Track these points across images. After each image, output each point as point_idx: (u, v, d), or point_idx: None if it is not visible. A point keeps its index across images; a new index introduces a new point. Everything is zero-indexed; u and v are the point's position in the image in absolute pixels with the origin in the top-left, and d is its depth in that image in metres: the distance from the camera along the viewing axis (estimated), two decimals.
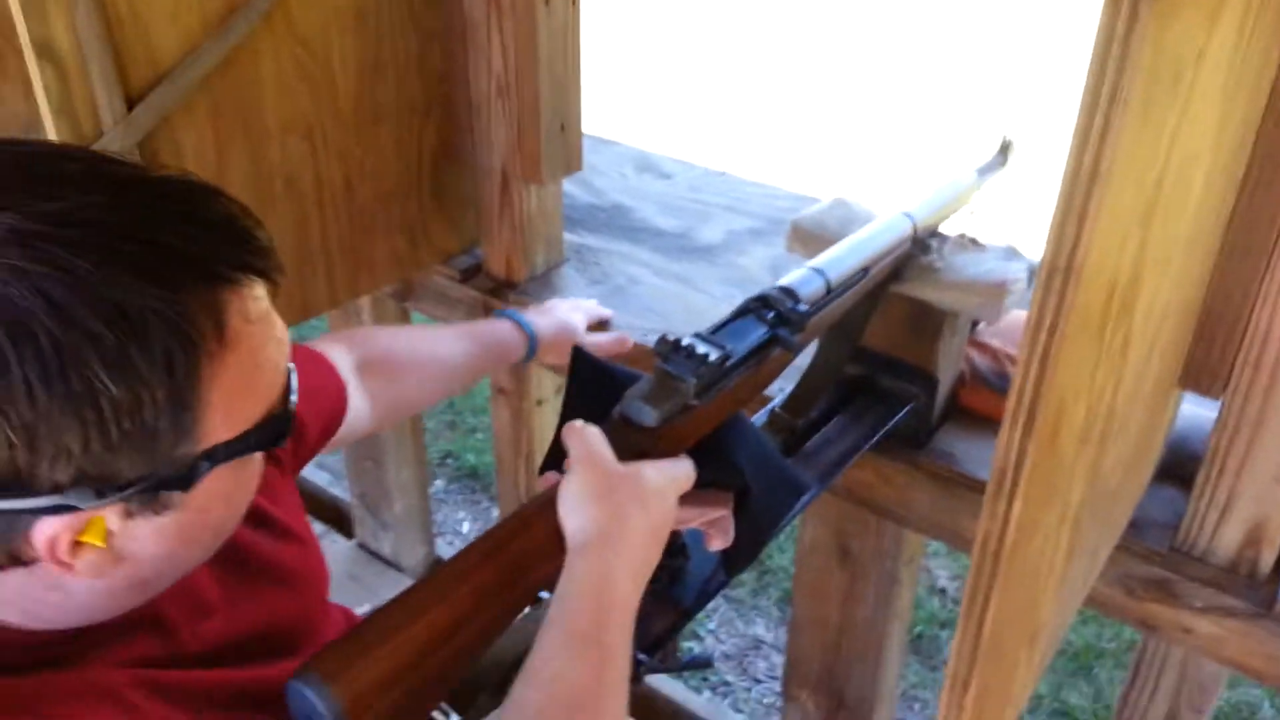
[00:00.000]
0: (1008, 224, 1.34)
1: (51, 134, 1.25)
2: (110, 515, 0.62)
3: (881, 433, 1.28)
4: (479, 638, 0.81)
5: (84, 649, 0.71)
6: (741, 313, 1.04)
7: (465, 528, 3.10)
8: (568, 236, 1.77)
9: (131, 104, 1.28)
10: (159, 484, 0.62)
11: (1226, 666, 1.25)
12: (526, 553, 0.84)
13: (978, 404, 1.37)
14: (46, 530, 0.60)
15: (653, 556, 0.87)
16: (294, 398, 0.71)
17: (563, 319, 1.46)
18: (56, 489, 0.58)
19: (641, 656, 1.05)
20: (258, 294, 0.65)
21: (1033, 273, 1.24)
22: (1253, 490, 1.12)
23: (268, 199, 1.45)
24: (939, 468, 1.32)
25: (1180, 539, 1.20)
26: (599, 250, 1.79)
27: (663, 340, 0.95)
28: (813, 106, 6.54)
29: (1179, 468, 1.28)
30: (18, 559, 0.62)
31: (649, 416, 0.91)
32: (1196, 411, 1.31)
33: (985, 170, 1.32)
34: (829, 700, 1.74)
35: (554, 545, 0.84)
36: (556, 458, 0.95)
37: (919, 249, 1.24)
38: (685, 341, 0.94)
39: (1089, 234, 0.61)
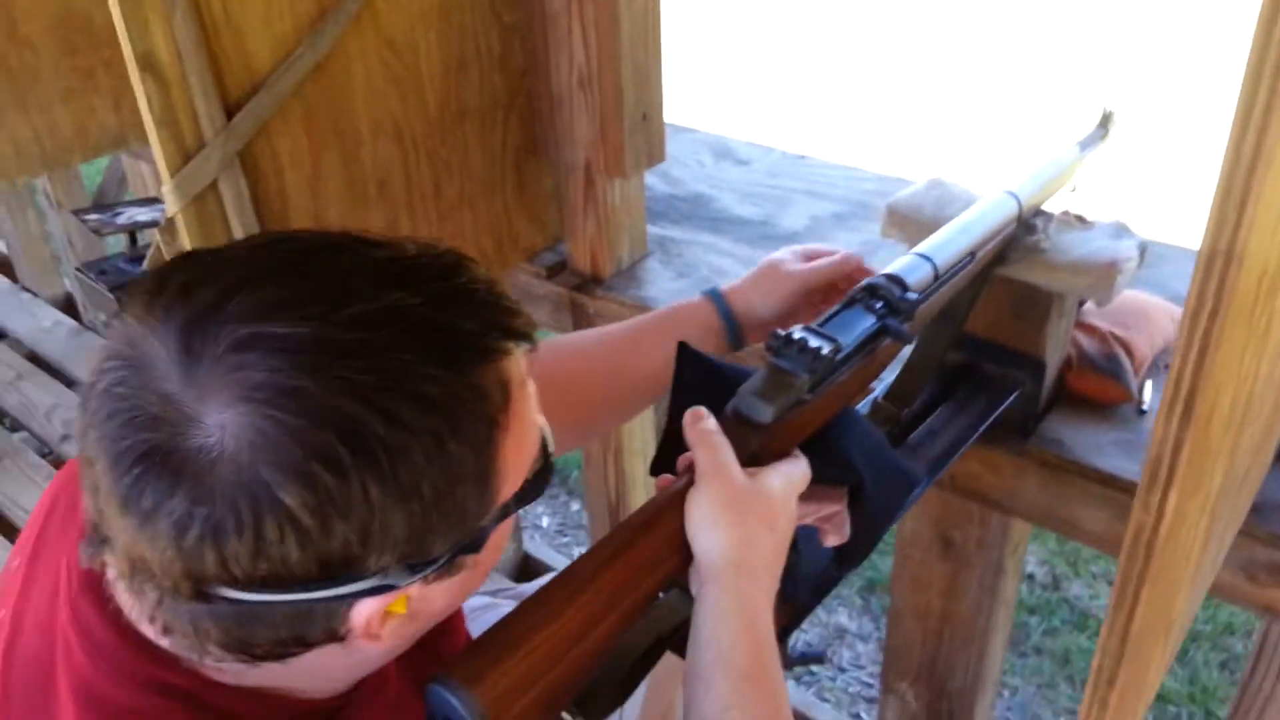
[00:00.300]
0: (1113, 199, 1.30)
1: (154, 145, 1.27)
2: (412, 589, 0.66)
3: (988, 421, 1.25)
4: (608, 638, 0.82)
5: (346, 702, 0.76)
6: (849, 303, 1.02)
7: (544, 522, 3.12)
8: (650, 229, 1.76)
9: (230, 113, 1.29)
10: (460, 551, 0.66)
11: None
12: (651, 555, 0.84)
13: (1086, 388, 1.33)
14: (366, 610, 0.64)
15: (779, 570, 0.87)
16: (552, 447, 0.75)
17: (763, 265, 1.29)
18: (380, 572, 0.62)
19: None
20: (520, 357, 0.68)
21: (1144, 250, 1.21)
22: None
23: (362, 203, 1.46)
24: (1048, 455, 1.29)
25: None
26: (682, 242, 1.77)
27: (774, 334, 0.94)
28: (891, 85, 6.46)
29: None
30: (334, 635, 0.65)
31: (764, 413, 0.90)
32: None
33: (1087, 144, 1.28)
34: (929, 691, 1.72)
35: (676, 547, 0.84)
36: (668, 455, 0.95)
37: (1023, 229, 1.21)
38: (797, 335, 0.93)
39: (1250, 217, 0.59)
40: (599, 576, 0.80)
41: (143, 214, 2.02)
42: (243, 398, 0.57)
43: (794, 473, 0.89)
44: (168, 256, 1.45)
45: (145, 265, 1.63)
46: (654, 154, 1.63)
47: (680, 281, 1.67)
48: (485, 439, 0.63)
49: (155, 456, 0.57)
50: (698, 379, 0.98)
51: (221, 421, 0.57)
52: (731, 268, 1.69)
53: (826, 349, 0.93)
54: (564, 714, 0.86)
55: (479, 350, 0.63)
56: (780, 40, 7.37)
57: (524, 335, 0.67)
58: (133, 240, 2.12)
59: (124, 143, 2.16)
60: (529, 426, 0.70)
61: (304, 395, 0.57)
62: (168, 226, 1.39)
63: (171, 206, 1.32)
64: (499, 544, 0.73)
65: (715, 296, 1.23)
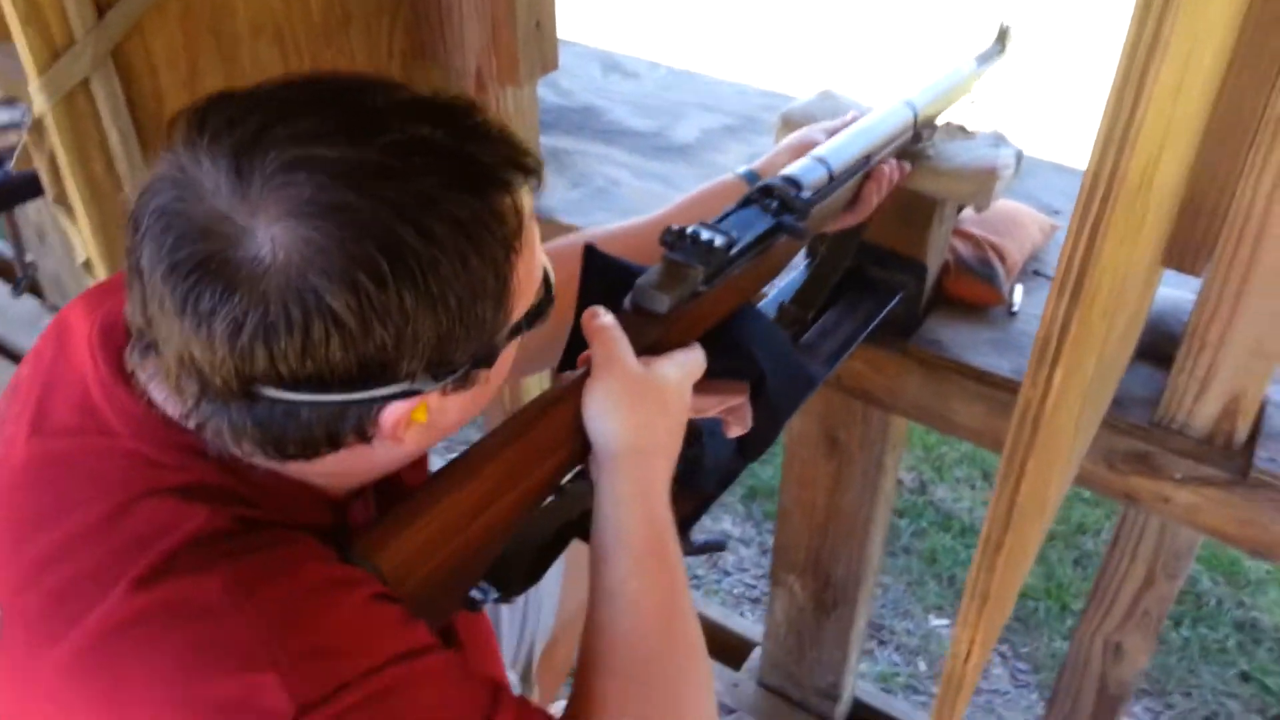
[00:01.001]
0: (996, 112, 1.36)
1: (21, 45, 1.20)
2: (433, 397, 0.72)
3: (874, 322, 1.31)
4: (508, 514, 0.85)
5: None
6: (746, 202, 1.06)
7: None
8: (542, 139, 1.76)
9: (102, 10, 1.23)
10: (476, 364, 0.72)
11: (1202, 533, 1.32)
12: (548, 438, 0.87)
13: (962, 291, 1.40)
14: (395, 412, 0.70)
15: (676, 452, 0.92)
16: (552, 275, 0.81)
17: (792, 139, 1.25)
18: (409, 377, 0.68)
19: None
20: (528, 191, 0.73)
21: (1020, 159, 1.27)
22: (1231, 363, 1.18)
23: None
24: (927, 354, 1.36)
25: (1160, 414, 1.26)
26: (575, 153, 1.77)
27: (668, 230, 0.97)
28: (772, 4, 6.45)
29: (1156, 347, 1.34)
30: (363, 436, 0.72)
31: (661, 304, 0.93)
32: (1170, 293, 1.37)
33: (984, 58, 1.33)
34: (815, 582, 1.81)
35: (571, 432, 0.88)
36: (573, 355, 0.97)
37: (910, 139, 1.25)
38: (691, 230, 0.96)
39: (1145, 104, 0.63)
40: (498, 455, 0.83)
41: (1, 115, 1.89)
42: (291, 212, 0.62)
43: (688, 360, 0.93)
44: (36, 159, 1.38)
45: (12, 167, 1.55)
46: (547, 62, 1.61)
47: (575, 191, 1.68)
48: (503, 259, 0.69)
49: (211, 264, 0.62)
50: (605, 279, 1.00)
51: (272, 234, 0.62)
52: (626, 178, 1.71)
53: (720, 242, 0.96)
54: (474, 593, 0.89)
55: (496, 180, 0.69)
56: None
57: (533, 171, 0.72)
58: None
59: None
60: (536, 256, 0.76)
61: (348, 210, 0.62)
62: (35, 126, 1.32)
63: (39, 105, 1.26)
64: (504, 367, 0.79)
65: (749, 176, 1.22)
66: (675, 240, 0.96)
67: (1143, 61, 0.61)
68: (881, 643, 2.50)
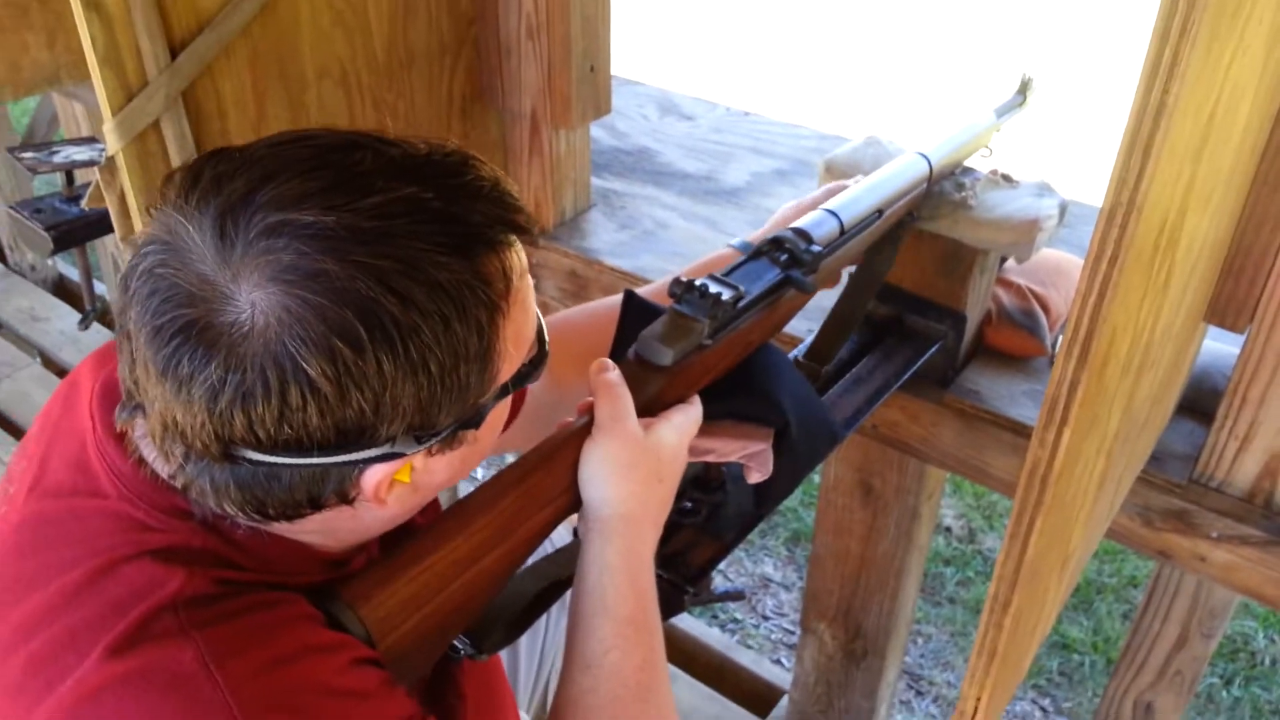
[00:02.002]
0: (1040, 160, 1.37)
1: (97, 83, 1.26)
2: (416, 459, 0.72)
3: (910, 372, 1.31)
4: (498, 567, 0.86)
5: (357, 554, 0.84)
6: (755, 255, 1.07)
7: (479, 473, 3.15)
8: (594, 181, 1.80)
9: (175, 52, 1.29)
10: (461, 425, 0.72)
11: (1239, 593, 1.30)
12: (543, 491, 0.88)
13: (1003, 342, 1.40)
14: (375, 475, 0.71)
15: (665, 516, 0.93)
16: (546, 336, 0.80)
17: (785, 210, 1.28)
18: (389, 440, 0.68)
19: (686, 589, 1.09)
20: (520, 249, 0.73)
21: (1064, 209, 1.27)
22: (1272, 421, 1.17)
23: None
24: (964, 405, 1.36)
25: (1199, 470, 1.25)
26: (625, 194, 1.81)
27: (676, 281, 0.98)
28: (835, 44, 6.49)
29: (1199, 402, 1.33)
30: (344, 498, 0.72)
31: (664, 357, 0.94)
32: (1217, 347, 1.35)
33: (1004, 110, 1.34)
34: (846, 632, 1.80)
35: (567, 486, 0.89)
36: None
37: (953, 187, 1.26)
38: (699, 282, 0.97)
39: (1153, 167, 0.64)
40: (492, 507, 0.84)
41: (80, 153, 1.99)
42: (272, 278, 0.63)
43: (686, 422, 0.93)
44: (107, 197, 1.44)
45: (84, 204, 1.62)
46: (600, 106, 1.65)
47: (623, 234, 1.71)
48: (488, 322, 0.68)
49: (192, 330, 0.63)
50: (644, 324, 1.02)
51: (253, 300, 0.63)
52: (674, 221, 1.74)
53: (727, 295, 0.97)
54: (457, 644, 0.90)
55: (484, 241, 0.68)
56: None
57: (524, 229, 0.72)
58: (69, 179, 2.08)
59: (57, 80, 2.11)
60: (528, 315, 0.76)
61: (327, 277, 0.63)
62: (108, 165, 1.38)
63: (112, 145, 1.32)
64: (496, 424, 0.79)
65: (743, 247, 1.23)
66: (683, 292, 0.97)
67: (1149, 127, 0.62)
68: (919, 693, 2.47)
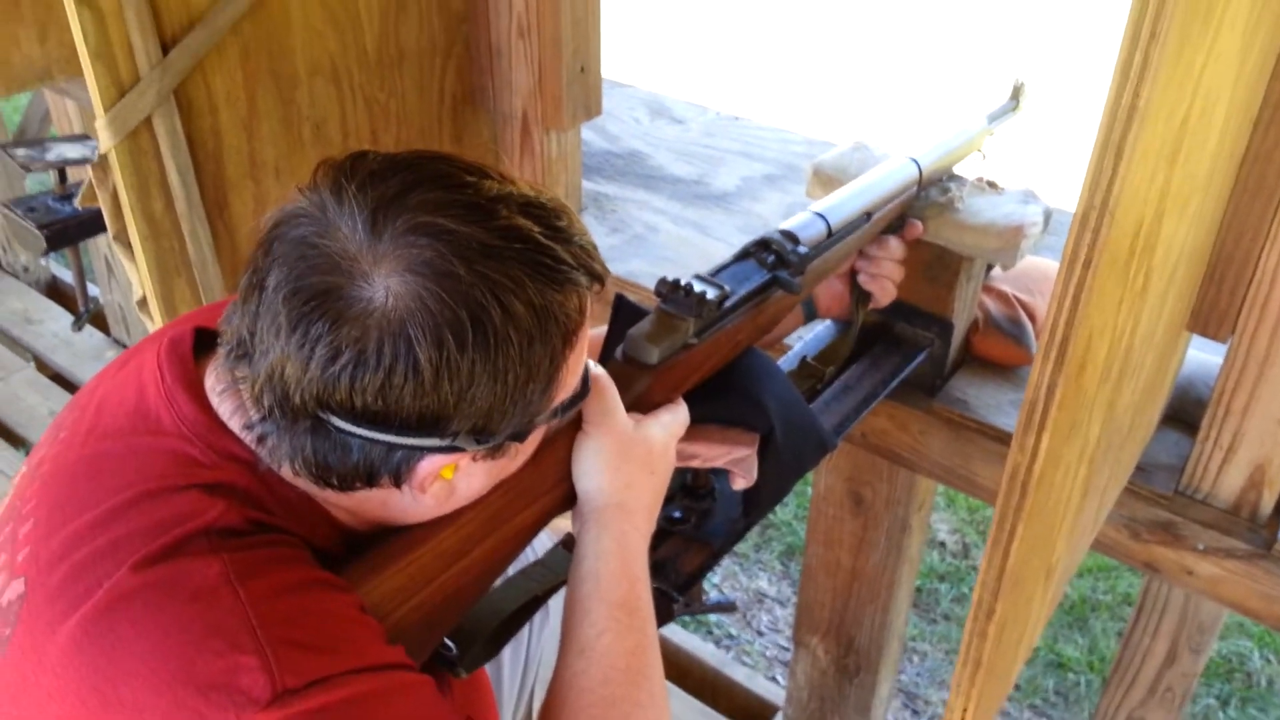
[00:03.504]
0: (1028, 167, 1.36)
1: (89, 79, 1.26)
2: (464, 459, 0.79)
3: (898, 379, 1.31)
4: (486, 561, 0.88)
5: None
6: (743, 256, 1.07)
7: None
8: (585, 184, 1.80)
9: (166, 48, 1.29)
10: (511, 437, 0.79)
11: (1225, 606, 1.29)
12: (532, 484, 0.89)
13: (990, 350, 1.40)
14: (430, 465, 0.77)
15: (658, 510, 0.96)
16: (591, 377, 0.88)
17: None
18: (454, 435, 0.75)
19: (675, 596, 1.09)
20: (591, 295, 0.80)
21: (1049, 217, 1.27)
22: (1257, 432, 1.16)
23: (297, 145, 1.47)
24: (952, 413, 1.35)
25: (1184, 482, 1.24)
26: (616, 198, 1.81)
27: (663, 281, 0.98)
28: (826, 49, 6.50)
29: (1184, 412, 1.32)
30: (396, 481, 0.78)
31: (650, 355, 0.95)
32: (1201, 357, 1.35)
33: (996, 115, 1.34)
34: (838, 645, 1.79)
35: (557, 480, 0.91)
36: None
37: (938, 192, 1.26)
38: (685, 282, 0.97)
39: (1124, 170, 0.64)
40: (480, 501, 0.86)
41: (73, 150, 1.98)
42: (409, 269, 0.70)
43: (673, 422, 0.97)
44: (100, 195, 1.44)
45: (77, 203, 1.62)
46: (591, 107, 1.65)
47: (614, 237, 1.71)
48: (559, 349, 0.76)
49: (331, 295, 0.70)
50: (629, 323, 1.02)
51: (389, 284, 0.70)
52: (664, 225, 1.73)
53: (713, 295, 0.97)
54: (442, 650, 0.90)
55: (571, 280, 0.76)
56: (722, 2, 7.37)
57: (599, 277, 0.80)
58: (61, 177, 2.08)
59: (49, 76, 2.11)
60: (583, 353, 0.83)
61: (454, 278, 0.70)
62: (100, 163, 1.38)
63: (105, 142, 1.32)
64: (531, 447, 0.86)
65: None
66: (670, 292, 0.97)
67: (1121, 130, 0.62)
68: (916, 713, 2.45)
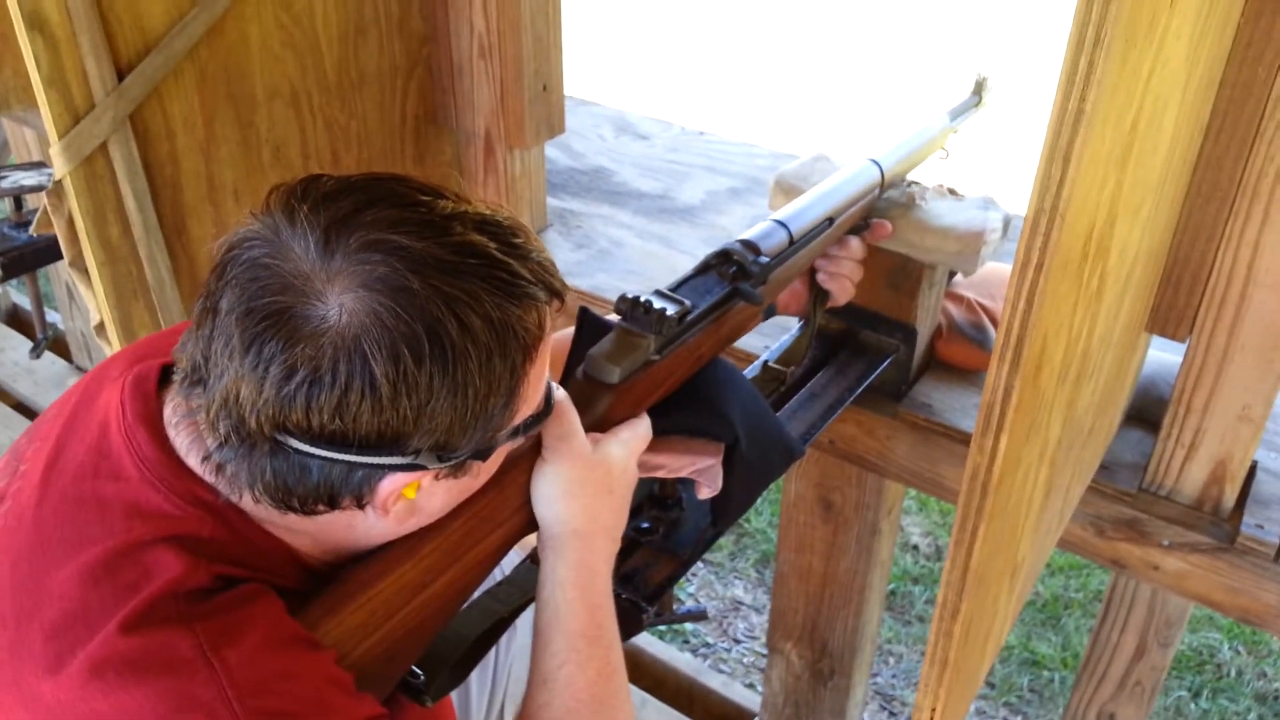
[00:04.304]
0: (988, 175, 1.38)
1: (43, 106, 1.25)
2: (426, 477, 0.78)
3: (863, 386, 1.32)
4: (449, 590, 0.87)
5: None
6: (703, 269, 1.06)
7: None
8: (550, 201, 1.80)
9: (122, 74, 1.29)
10: (473, 455, 0.78)
11: (1191, 600, 1.31)
12: (493, 511, 0.89)
13: (954, 355, 1.41)
14: (391, 484, 0.76)
15: (621, 528, 0.95)
16: (554, 397, 0.87)
17: None
18: (415, 453, 0.74)
19: (644, 607, 1.09)
20: (551, 312, 0.80)
21: (1008, 223, 1.28)
22: (1217, 428, 1.18)
23: (256, 169, 1.47)
24: (917, 418, 1.37)
25: (1148, 479, 1.26)
26: (581, 214, 1.81)
27: (622, 298, 0.97)
28: (790, 62, 6.55)
29: (1146, 411, 1.34)
30: (358, 502, 0.77)
31: (610, 374, 0.94)
32: (1162, 357, 1.37)
33: (958, 112, 1.35)
34: (812, 651, 1.80)
35: (518, 506, 0.91)
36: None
37: (898, 194, 1.27)
38: (644, 298, 0.97)
39: (1073, 174, 0.64)
40: (439, 531, 0.85)
41: (28, 178, 1.97)
42: (363, 285, 0.70)
43: (633, 438, 0.96)
44: (55, 221, 1.42)
45: (32, 230, 1.60)
46: (554, 125, 1.66)
47: (579, 253, 1.71)
48: (519, 363, 0.76)
49: (284, 315, 0.70)
50: (592, 338, 1.02)
51: (342, 301, 0.70)
52: (629, 239, 1.74)
53: (673, 311, 0.96)
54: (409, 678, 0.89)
55: (529, 295, 0.76)
56: (681, 17, 7.42)
57: (558, 293, 0.80)
58: (18, 205, 2.06)
59: (5, 106, 2.11)
60: (544, 369, 0.82)
61: (409, 293, 0.70)
62: (55, 189, 1.37)
63: (60, 169, 1.31)
64: (493, 466, 0.85)
65: None
66: (629, 309, 0.96)
67: (1068, 135, 0.63)
68: (892, 714, 2.46)
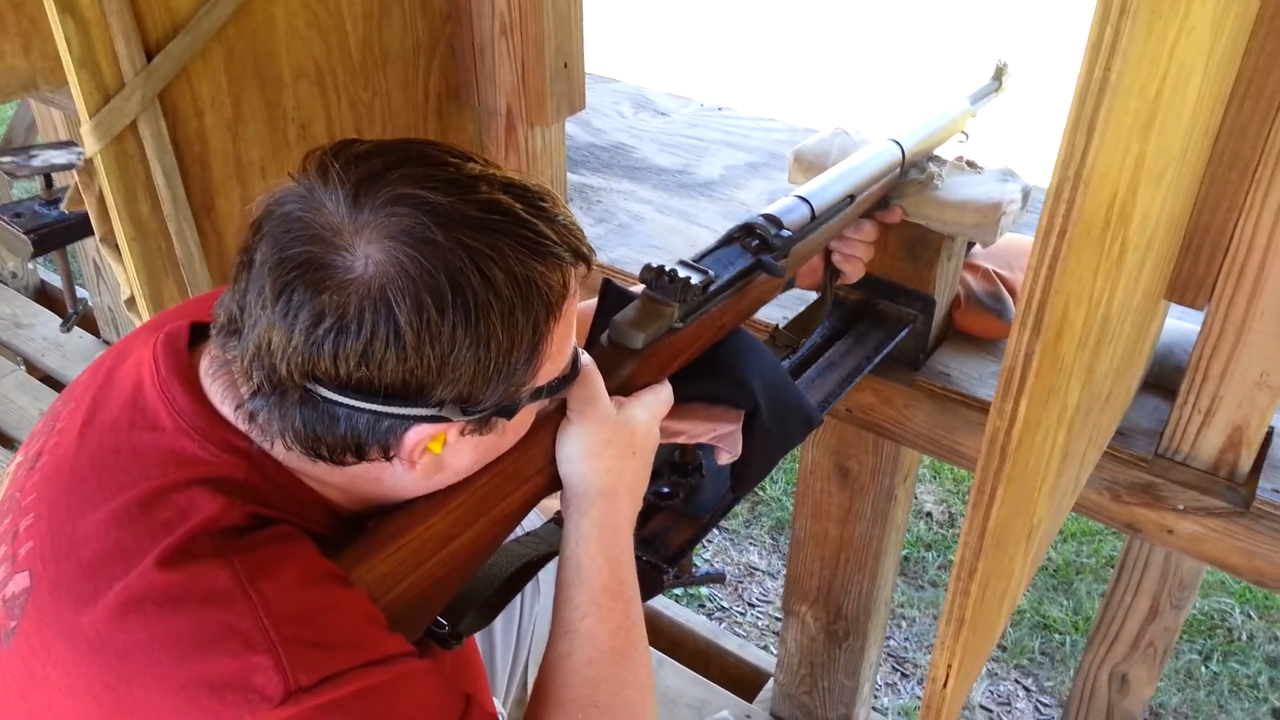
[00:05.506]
0: (1009, 147, 1.39)
1: (74, 86, 1.27)
2: (452, 431, 0.80)
3: (881, 355, 1.34)
4: (476, 542, 0.90)
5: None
6: (727, 241, 1.09)
7: None
8: (570, 177, 1.82)
9: (150, 54, 1.31)
10: (497, 410, 0.80)
11: (1206, 563, 1.33)
12: (519, 467, 0.92)
13: (971, 325, 1.43)
14: (417, 435, 0.78)
15: (643, 488, 0.98)
16: (581, 361, 0.89)
17: None
18: (439, 404, 0.77)
19: (665, 569, 1.12)
20: (577, 275, 0.82)
21: (1027, 194, 1.30)
22: (1234, 395, 1.20)
23: (282, 147, 1.49)
24: (936, 386, 1.39)
25: (1164, 445, 1.28)
26: (601, 190, 1.83)
27: (647, 267, 1.00)
28: (809, 37, 6.52)
29: (1163, 378, 1.36)
30: (385, 453, 0.80)
31: (635, 340, 0.97)
32: (1179, 325, 1.39)
33: (978, 96, 1.37)
34: (827, 613, 1.83)
35: (543, 464, 0.93)
36: None
37: (918, 172, 1.29)
38: (669, 267, 1.00)
39: (1097, 142, 0.66)
40: (467, 486, 0.88)
41: (58, 157, 1.99)
42: (389, 236, 0.73)
43: (656, 402, 0.99)
44: (86, 199, 1.45)
45: (63, 207, 1.63)
46: (575, 102, 1.68)
47: (600, 227, 1.73)
48: (542, 321, 0.78)
49: (313, 265, 0.73)
50: (616, 307, 1.05)
51: (369, 252, 0.73)
52: (649, 214, 1.76)
53: (697, 280, 0.99)
54: (434, 627, 0.92)
55: (553, 254, 0.78)
56: None
57: (584, 257, 0.82)
58: (48, 183, 2.09)
59: (33, 86, 2.12)
60: (570, 332, 0.84)
61: (434, 245, 0.73)
62: (86, 168, 1.40)
63: (90, 147, 1.33)
64: (521, 426, 0.87)
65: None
66: (654, 278, 0.99)
67: (1093, 103, 0.65)
68: (905, 675, 2.50)
